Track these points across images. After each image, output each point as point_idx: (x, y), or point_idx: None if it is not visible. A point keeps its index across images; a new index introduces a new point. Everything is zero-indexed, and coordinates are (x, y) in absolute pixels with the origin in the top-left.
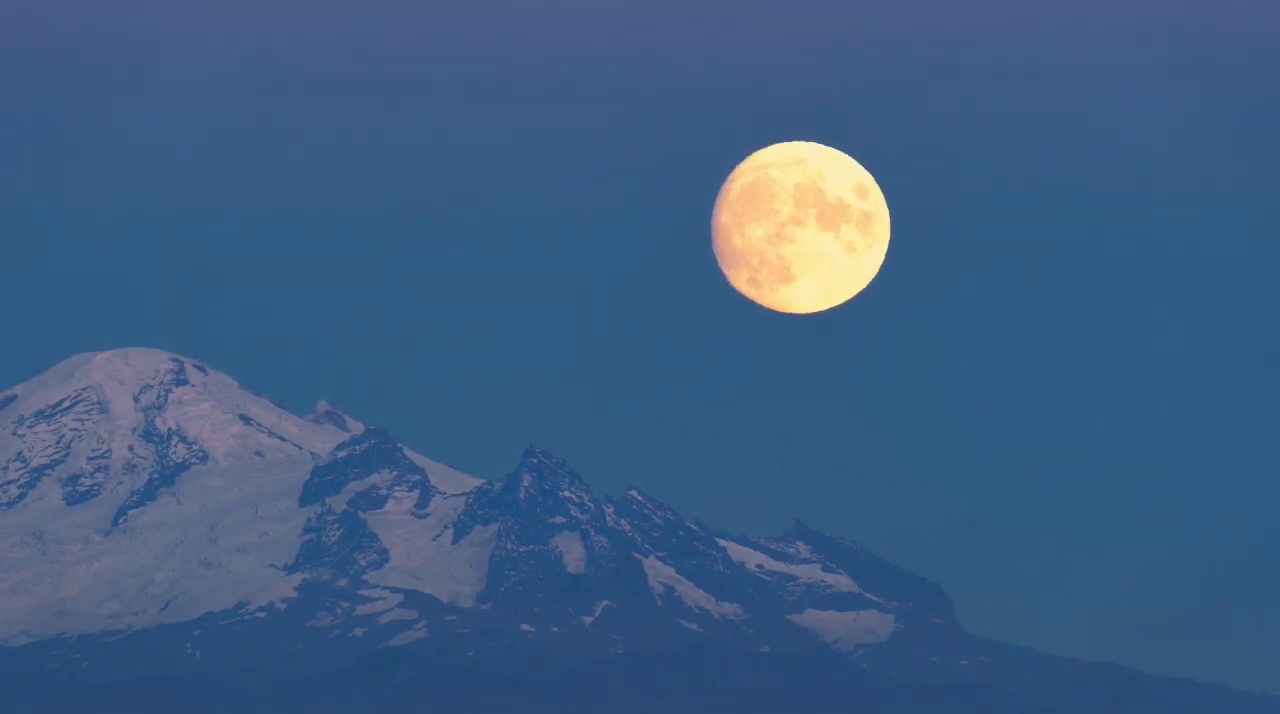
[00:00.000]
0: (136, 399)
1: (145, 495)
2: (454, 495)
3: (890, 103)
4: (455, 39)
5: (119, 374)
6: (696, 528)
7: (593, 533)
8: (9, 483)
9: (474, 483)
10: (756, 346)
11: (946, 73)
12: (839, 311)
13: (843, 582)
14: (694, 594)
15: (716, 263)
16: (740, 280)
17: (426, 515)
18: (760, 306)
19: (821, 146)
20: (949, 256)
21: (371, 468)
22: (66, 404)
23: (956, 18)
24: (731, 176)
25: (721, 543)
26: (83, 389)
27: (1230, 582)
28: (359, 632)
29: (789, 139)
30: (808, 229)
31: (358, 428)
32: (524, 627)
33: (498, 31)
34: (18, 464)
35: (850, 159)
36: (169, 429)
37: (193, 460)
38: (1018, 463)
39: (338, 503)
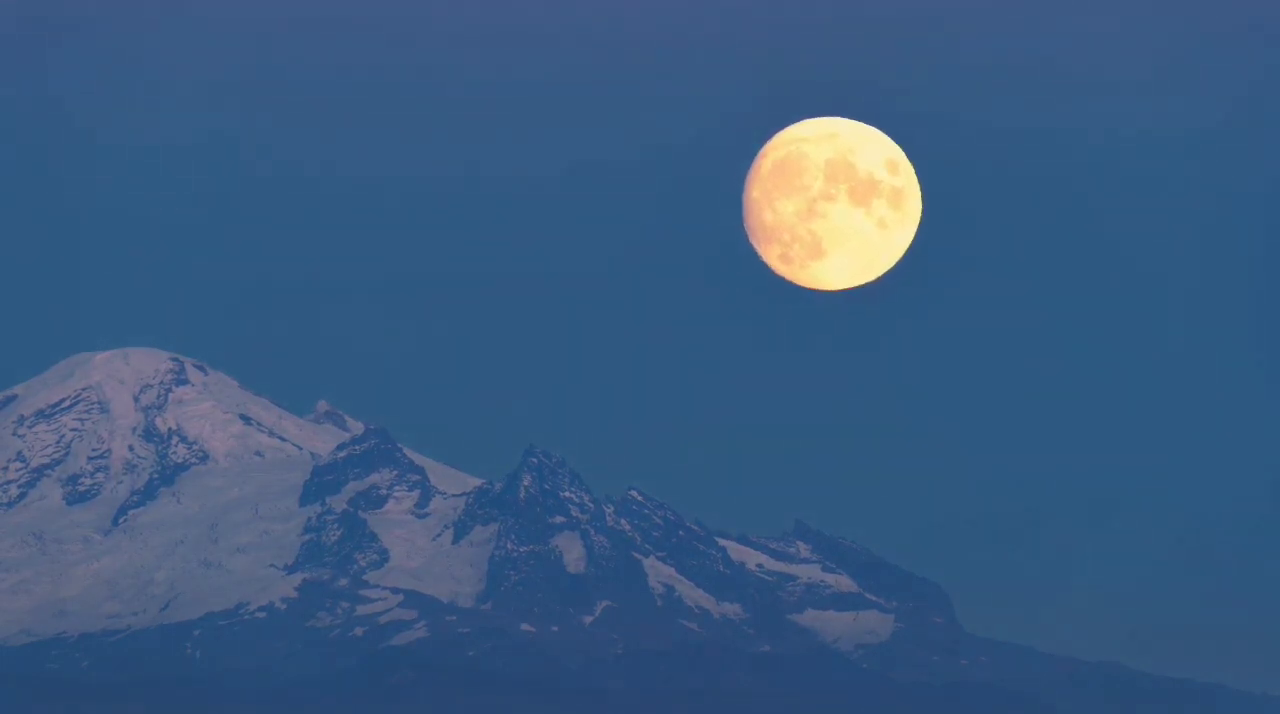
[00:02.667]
0: (136, 399)
1: (145, 495)
2: (454, 495)
3: (921, 79)
4: None
5: (119, 374)
6: (696, 528)
7: (593, 533)
8: (9, 483)
9: (474, 483)
10: (771, 334)
11: (977, 49)
12: (868, 288)
13: (843, 582)
14: (694, 594)
15: (748, 239)
16: (772, 256)
17: (426, 515)
18: (792, 283)
19: (853, 122)
20: (980, 233)
21: (371, 468)
22: (66, 404)
23: None
24: (763, 152)
25: (721, 543)
26: (83, 389)
27: (1230, 581)
28: (359, 632)
29: (821, 115)
30: (839, 204)
31: (358, 428)
32: (524, 627)
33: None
34: (18, 464)
35: (882, 134)
36: (169, 429)
37: (193, 460)
38: (1022, 459)
39: (338, 503)
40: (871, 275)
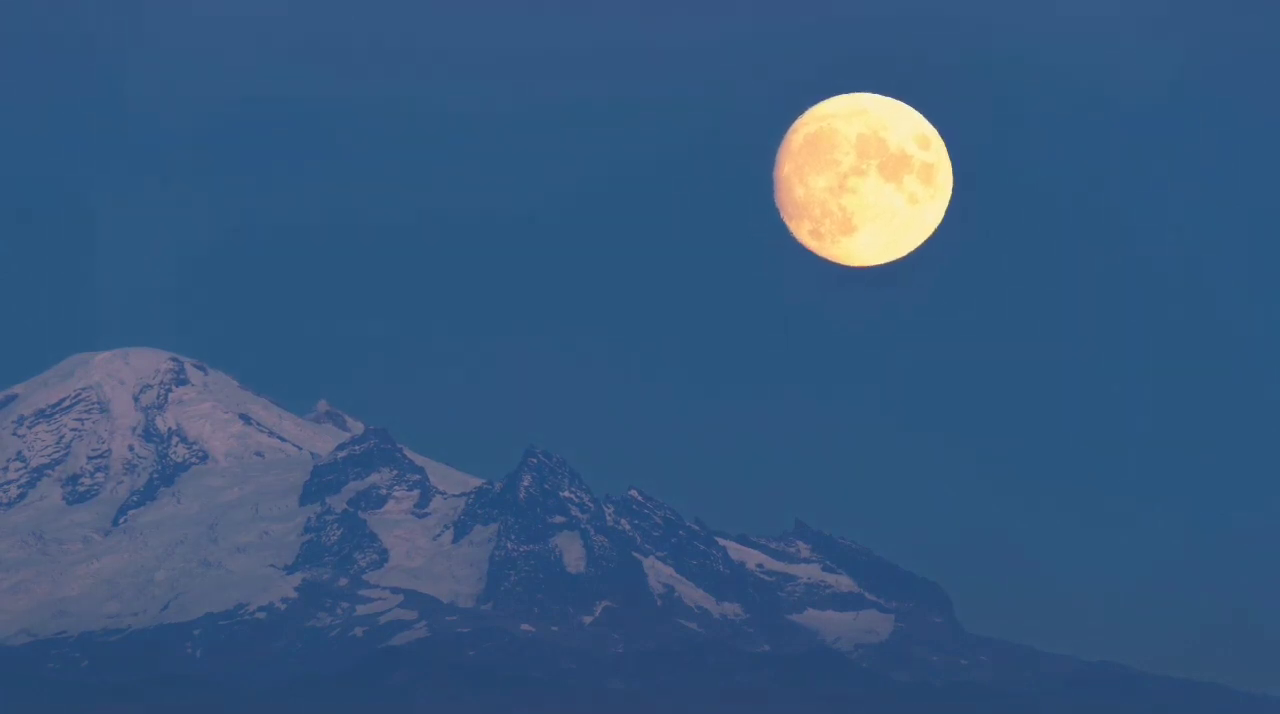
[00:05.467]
0: (136, 399)
1: (145, 495)
2: (454, 495)
3: (952, 54)
4: None
5: (119, 374)
6: (696, 528)
7: (593, 533)
8: (9, 483)
9: (474, 483)
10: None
11: (1007, 24)
12: (900, 264)
13: (843, 582)
14: (694, 594)
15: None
16: (802, 232)
17: (426, 515)
18: (823, 259)
19: (884, 98)
20: (1010, 210)
21: (371, 468)
22: (66, 404)
23: None
24: (794, 127)
25: (721, 543)
26: (83, 389)
27: (1230, 580)
28: (359, 632)
29: (851, 91)
30: (869, 180)
31: (358, 428)
32: (524, 627)
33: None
34: (18, 464)
35: (913, 110)
36: (169, 429)
37: (193, 460)
38: (1029, 453)
39: (338, 503)
40: (902, 251)
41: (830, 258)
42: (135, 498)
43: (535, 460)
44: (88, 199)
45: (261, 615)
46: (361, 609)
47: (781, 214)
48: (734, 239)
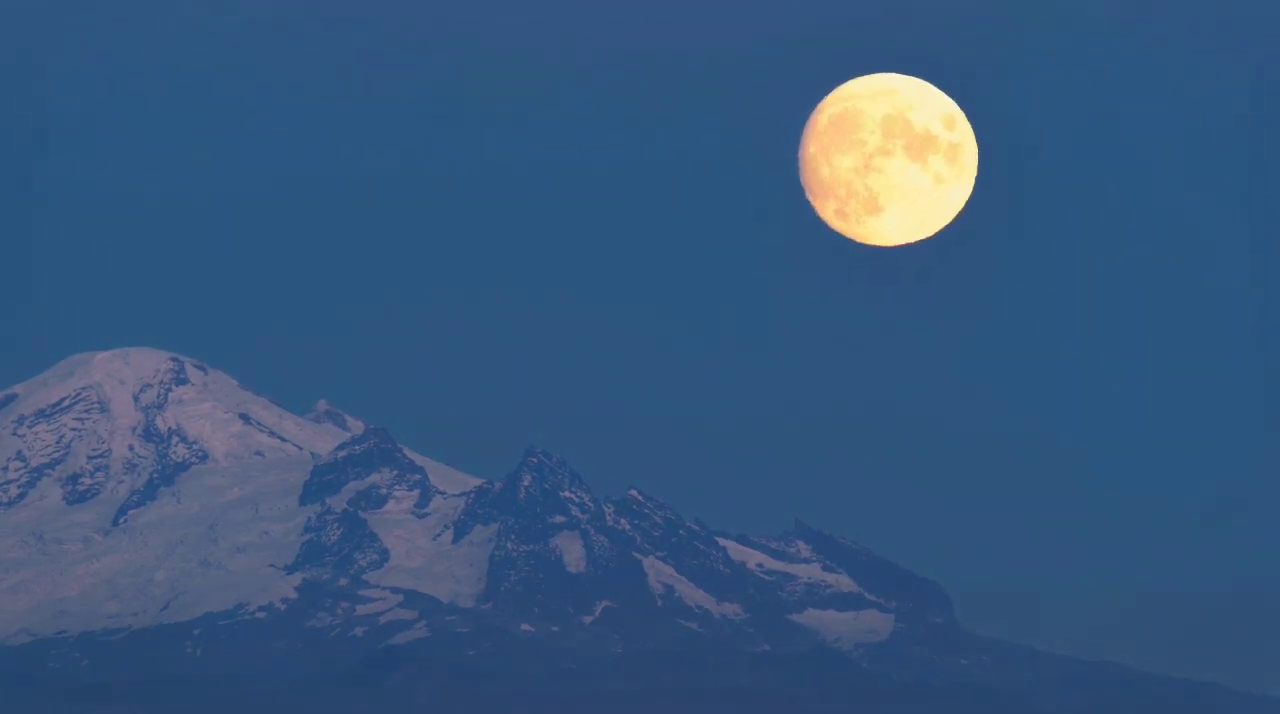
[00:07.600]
0: (136, 399)
1: (145, 495)
2: (454, 495)
3: (981, 34)
4: None
5: (119, 374)
6: (696, 527)
7: (593, 533)
8: (9, 483)
9: (474, 483)
10: (776, 323)
11: (1036, 5)
12: (926, 244)
13: (843, 581)
14: (694, 594)
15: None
16: (827, 212)
17: (426, 515)
18: (849, 239)
19: (910, 78)
20: (1036, 191)
21: (371, 468)
22: (66, 404)
23: None
24: (819, 107)
25: (722, 543)
26: (83, 389)
27: (1230, 581)
28: (359, 632)
29: (877, 71)
30: (895, 160)
31: (358, 428)
32: (524, 627)
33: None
34: (18, 464)
35: (939, 91)
36: (169, 429)
37: (193, 460)
38: (1024, 454)
39: (338, 503)
40: (928, 231)
41: (856, 238)
42: (135, 498)
43: (535, 460)
44: (85, 198)
45: (261, 615)
46: (361, 609)
47: (806, 193)
48: (740, 234)
